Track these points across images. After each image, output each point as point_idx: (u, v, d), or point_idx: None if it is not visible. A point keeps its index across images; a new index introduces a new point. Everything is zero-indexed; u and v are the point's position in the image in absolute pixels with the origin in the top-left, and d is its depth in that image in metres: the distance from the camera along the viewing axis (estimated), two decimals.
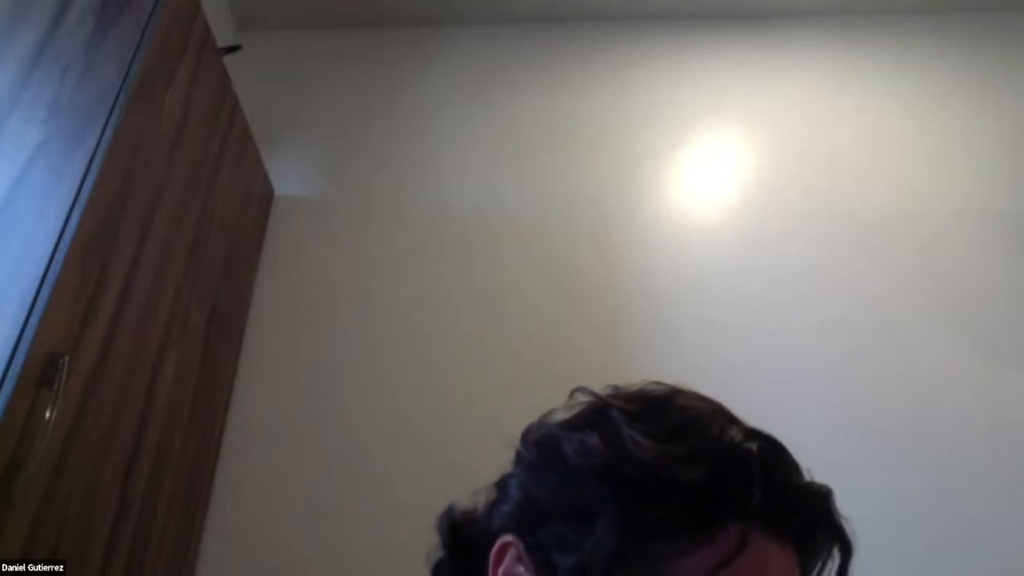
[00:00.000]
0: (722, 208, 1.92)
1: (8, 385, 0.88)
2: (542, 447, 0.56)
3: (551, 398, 0.61)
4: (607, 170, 1.98)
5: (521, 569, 0.53)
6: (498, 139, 2.05)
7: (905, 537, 1.45)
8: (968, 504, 1.49)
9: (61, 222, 1.02)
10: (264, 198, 1.88)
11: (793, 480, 0.52)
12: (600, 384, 0.59)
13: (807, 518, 0.51)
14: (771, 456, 0.51)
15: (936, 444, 1.56)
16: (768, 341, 1.70)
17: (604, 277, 1.80)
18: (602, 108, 2.11)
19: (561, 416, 0.57)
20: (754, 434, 0.52)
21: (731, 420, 0.53)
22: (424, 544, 0.65)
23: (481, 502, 0.61)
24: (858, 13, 2.30)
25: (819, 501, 0.52)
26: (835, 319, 1.73)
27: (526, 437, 0.58)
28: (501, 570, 0.54)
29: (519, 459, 0.58)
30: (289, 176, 1.97)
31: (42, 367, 0.93)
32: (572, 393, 0.58)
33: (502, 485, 0.59)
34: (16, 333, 0.91)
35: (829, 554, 0.52)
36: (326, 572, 1.44)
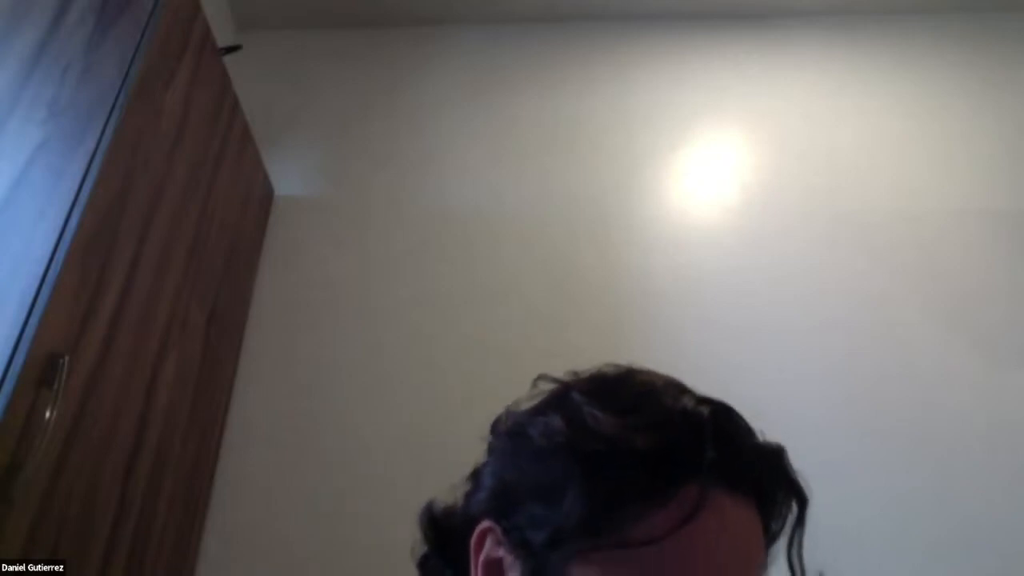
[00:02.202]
0: (722, 208, 1.92)
1: (8, 385, 0.88)
2: (510, 434, 0.59)
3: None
4: (607, 170, 1.98)
5: (501, 552, 0.55)
6: (498, 139, 2.05)
7: (905, 537, 1.45)
8: (968, 504, 1.49)
9: (61, 222, 1.02)
10: (264, 198, 1.88)
11: (746, 440, 0.54)
12: None
13: (763, 475, 0.53)
14: (722, 418, 0.53)
15: (936, 444, 1.56)
16: (768, 341, 1.70)
17: (604, 277, 1.80)
18: (602, 108, 2.11)
19: (527, 404, 0.60)
20: (705, 400, 0.55)
21: (683, 390, 0.56)
22: (415, 538, 0.66)
23: (459, 495, 0.63)
24: (858, 13, 2.30)
25: (772, 458, 0.54)
26: (835, 319, 1.73)
27: (496, 428, 0.62)
28: (482, 556, 0.56)
29: (491, 449, 0.61)
30: (289, 176, 1.97)
31: (42, 367, 0.93)
32: (535, 382, 0.61)
33: (476, 475, 0.62)
34: (16, 333, 0.91)
35: (788, 507, 0.55)
36: (326, 572, 1.44)
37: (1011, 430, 1.57)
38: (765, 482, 0.53)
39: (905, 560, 1.44)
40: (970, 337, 1.69)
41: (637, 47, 2.25)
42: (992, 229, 1.85)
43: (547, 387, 0.60)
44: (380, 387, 1.64)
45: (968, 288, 1.76)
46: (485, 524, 0.56)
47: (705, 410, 0.53)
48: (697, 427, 0.52)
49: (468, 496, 0.62)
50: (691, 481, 0.49)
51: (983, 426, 1.58)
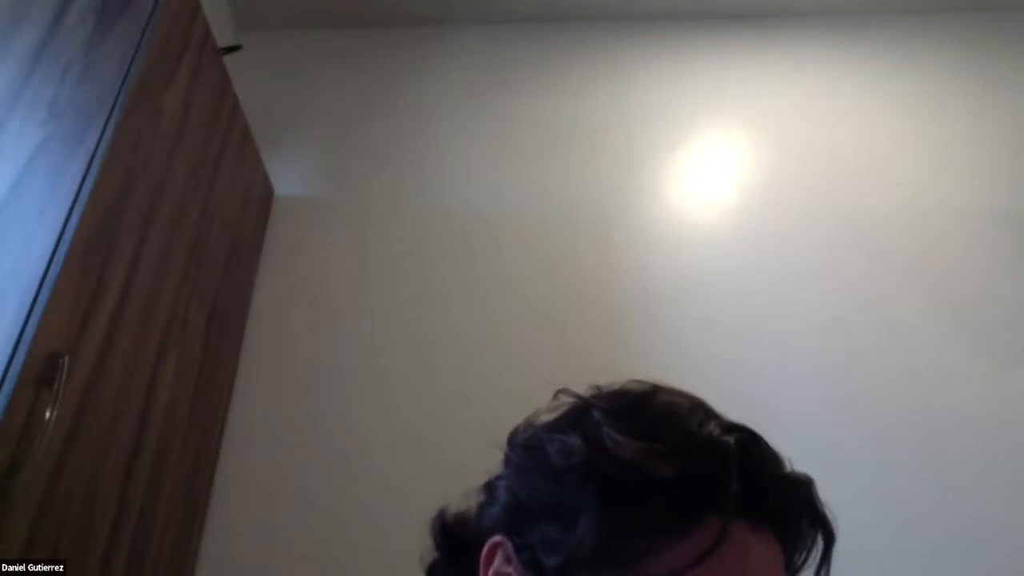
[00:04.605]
0: (722, 208, 1.92)
1: (8, 385, 0.88)
2: (527, 449, 0.57)
3: (550, 399, 0.61)
4: (607, 170, 1.98)
5: (510, 569, 0.54)
6: (498, 139, 2.05)
7: (905, 537, 1.45)
8: (969, 504, 1.49)
9: (61, 222, 1.02)
10: (264, 198, 1.88)
11: (772, 471, 0.52)
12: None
13: (788, 507, 0.51)
14: (749, 448, 0.51)
15: (936, 444, 1.56)
16: (768, 341, 1.70)
17: (604, 277, 1.80)
18: (602, 108, 2.11)
19: (546, 417, 0.58)
20: (732, 427, 0.52)
21: (709, 415, 0.54)
22: (423, 544, 0.65)
23: (472, 504, 0.62)
24: (858, 13, 2.30)
25: (800, 490, 0.53)
26: (835, 319, 1.73)
27: (512, 440, 0.59)
28: (491, 570, 0.55)
29: (507, 461, 0.60)
30: (289, 176, 1.97)
31: (42, 367, 0.93)
32: (556, 394, 0.59)
33: (490, 487, 0.60)
34: (16, 333, 0.91)
35: (813, 542, 0.53)
36: (326, 572, 1.44)
37: (1012, 430, 1.57)
38: (790, 515, 0.51)
39: (906, 560, 1.44)
40: (970, 337, 1.69)
41: (637, 47, 2.25)
42: (992, 229, 1.85)
43: (567, 400, 0.58)
44: (380, 387, 1.64)
45: (968, 288, 1.76)
46: (496, 538, 0.55)
47: (731, 439, 0.50)
48: (722, 457, 0.49)
49: (481, 508, 0.61)
50: (713, 514, 0.47)
51: (984, 426, 1.58)
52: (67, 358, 0.96)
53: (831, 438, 1.56)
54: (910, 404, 1.61)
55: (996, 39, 2.23)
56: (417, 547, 0.66)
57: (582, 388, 0.59)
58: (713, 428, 0.52)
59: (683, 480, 0.48)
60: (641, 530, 0.47)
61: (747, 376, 1.63)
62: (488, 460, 0.61)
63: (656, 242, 1.85)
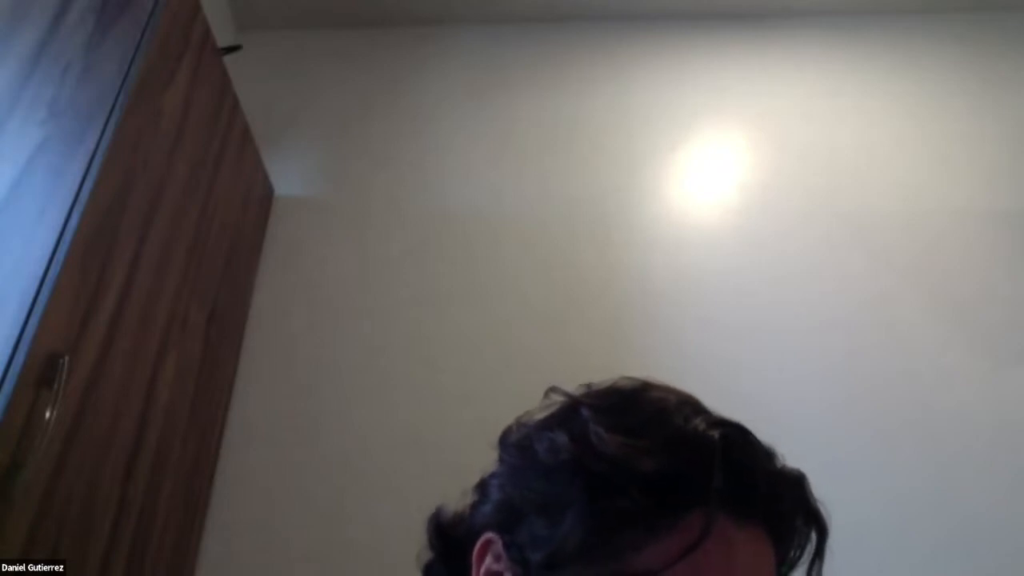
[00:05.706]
0: (722, 208, 1.92)
1: (8, 385, 0.88)
2: (518, 448, 0.57)
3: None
4: (607, 170, 1.98)
5: (500, 567, 0.54)
6: (498, 139, 2.05)
7: (905, 537, 1.45)
8: (969, 504, 1.49)
9: (61, 222, 1.02)
10: (264, 198, 1.88)
11: (761, 465, 0.52)
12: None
13: (779, 503, 0.51)
14: (735, 442, 0.51)
15: (936, 444, 1.56)
16: (768, 341, 1.70)
17: (604, 277, 1.80)
18: (602, 108, 2.11)
19: (537, 416, 0.59)
20: (719, 422, 0.52)
21: (697, 410, 0.54)
22: (423, 543, 0.66)
23: (468, 503, 0.63)
24: (858, 13, 2.30)
25: (792, 486, 0.52)
26: (835, 319, 1.73)
27: (504, 439, 0.60)
28: (483, 568, 0.55)
29: (500, 460, 0.60)
30: (289, 176, 1.97)
31: (42, 367, 0.93)
32: (547, 393, 0.59)
33: (483, 486, 0.61)
34: (16, 333, 0.91)
35: (806, 537, 0.52)
36: (326, 572, 1.44)
37: (1011, 430, 1.57)
38: (780, 511, 0.51)
39: (905, 560, 1.44)
40: (970, 337, 1.69)
41: (637, 47, 2.25)
42: (992, 229, 1.85)
43: (558, 399, 0.58)
44: (380, 387, 1.64)
45: (968, 288, 1.76)
46: (487, 536, 0.56)
47: (716, 433, 0.50)
48: (706, 451, 0.49)
49: (474, 507, 0.61)
50: (696, 509, 0.47)
51: (983, 426, 1.58)
52: (67, 358, 0.96)
53: (831, 438, 1.56)
54: (910, 404, 1.61)
55: (996, 39, 2.23)
56: (416, 547, 0.66)
57: (554, 386, 0.59)
58: (699, 423, 0.52)
59: (667, 475, 0.48)
60: (626, 525, 0.47)
61: (747, 376, 1.63)
62: (488, 460, 0.62)
63: (656, 242, 1.85)
